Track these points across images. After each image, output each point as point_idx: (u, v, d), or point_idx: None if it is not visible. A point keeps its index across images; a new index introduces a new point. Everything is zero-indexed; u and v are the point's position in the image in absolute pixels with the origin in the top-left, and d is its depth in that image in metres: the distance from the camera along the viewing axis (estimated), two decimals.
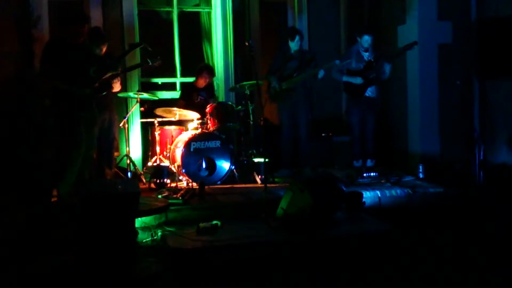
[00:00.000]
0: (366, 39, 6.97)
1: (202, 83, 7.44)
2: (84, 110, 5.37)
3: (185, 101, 7.38)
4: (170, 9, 8.30)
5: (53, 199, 5.67)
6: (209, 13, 8.50)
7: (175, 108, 6.89)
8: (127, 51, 5.65)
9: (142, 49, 6.80)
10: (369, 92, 7.04)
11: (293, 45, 7.09)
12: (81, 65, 5.39)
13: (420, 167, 6.91)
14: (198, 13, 8.62)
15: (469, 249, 4.90)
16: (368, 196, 5.93)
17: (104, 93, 5.67)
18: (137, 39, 7.85)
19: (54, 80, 5.28)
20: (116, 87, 6.33)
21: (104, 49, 6.37)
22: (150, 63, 6.23)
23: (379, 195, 6.02)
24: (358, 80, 6.98)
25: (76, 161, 5.39)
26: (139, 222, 5.03)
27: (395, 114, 7.97)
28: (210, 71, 7.54)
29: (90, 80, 5.41)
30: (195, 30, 8.61)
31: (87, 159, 5.64)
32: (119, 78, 6.24)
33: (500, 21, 6.39)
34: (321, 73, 6.89)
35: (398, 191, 6.14)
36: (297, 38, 7.04)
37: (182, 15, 8.37)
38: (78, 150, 5.39)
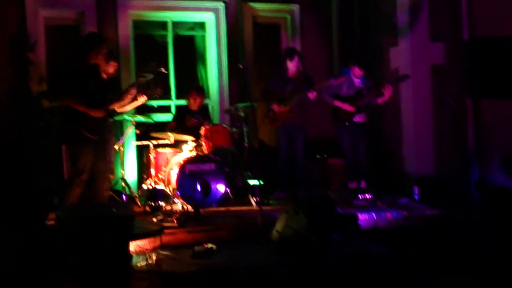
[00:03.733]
0: (356, 70, 7.00)
1: (193, 104, 7.44)
2: (96, 133, 5.35)
3: (176, 123, 7.39)
4: (165, 33, 8.37)
5: (50, 222, 5.62)
6: (203, 37, 8.58)
7: (169, 133, 6.90)
8: (142, 76, 5.61)
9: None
10: (358, 117, 7.05)
11: (292, 66, 7.09)
12: (99, 89, 5.39)
13: (416, 189, 6.91)
14: (192, 36, 8.68)
15: (466, 270, 4.88)
16: (364, 218, 5.90)
17: (118, 116, 5.64)
18: (133, 63, 7.90)
19: (71, 101, 5.26)
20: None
21: (115, 68, 6.40)
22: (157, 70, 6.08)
23: (375, 217, 6.00)
24: (350, 108, 6.98)
25: (76, 185, 5.34)
26: (133, 245, 5.00)
27: (389, 135, 8.00)
28: (199, 91, 7.53)
29: (105, 103, 5.40)
30: (190, 53, 8.67)
31: (103, 181, 5.59)
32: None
33: (492, 40, 6.44)
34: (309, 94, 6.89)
35: (394, 213, 6.13)
36: (296, 58, 7.07)
37: (177, 38, 8.43)
38: (79, 176, 5.34)
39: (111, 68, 6.22)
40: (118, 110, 5.61)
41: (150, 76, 5.72)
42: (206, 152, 6.77)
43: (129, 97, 5.61)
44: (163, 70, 5.96)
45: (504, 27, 6.81)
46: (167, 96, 8.26)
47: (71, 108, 5.30)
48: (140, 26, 8.31)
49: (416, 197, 6.87)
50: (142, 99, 5.77)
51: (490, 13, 7.15)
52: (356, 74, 7.05)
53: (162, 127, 7.59)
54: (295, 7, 8.61)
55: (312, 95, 6.84)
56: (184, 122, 7.38)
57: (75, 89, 5.28)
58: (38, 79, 7.14)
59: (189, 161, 6.49)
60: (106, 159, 5.72)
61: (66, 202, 5.34)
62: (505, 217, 5.90)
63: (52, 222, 5.57)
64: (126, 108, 5.94)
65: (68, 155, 5.47)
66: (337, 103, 7.08)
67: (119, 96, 5.54)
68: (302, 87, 6.97)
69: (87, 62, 5.43)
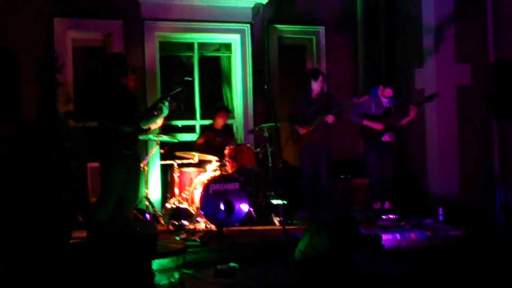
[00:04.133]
0: (388, 91, 7.00)
1: (219, 123, 7.53)
2: (129, 149, 5.42)
3: (202, 141, 7.46)
4: (191, 54, 8.48)
5: (74, 241, 5.70)
6: (229, 57, 8.67)
7: (193, 152, 6.98)
8: (169, 92, 5.67)
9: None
10: (386, 136, 7.03)
11: (316, 86, 7.12)
12: (129, 105, 5.49)
13: (440, 209, 6.85)
14: (218, 57, 8.79)
15: None
16: (388, 238, 5.86)
17: (144, 133, 5.69)
18: (159, 84, 8.01)
19: (103, 118, 5.37)
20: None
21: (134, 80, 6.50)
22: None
23: (399, 237, 5.96)
24: (379, 126, 6.97)
25: (108, 202, 5.37)
26: (156, 264, 5.03)
27: (414, 155, 7.95)
28: (226, 110, 7.64)
29: (135, 120, 5.48)
30: (215, 74, 8.76)
31: (130, 200, 5.63)
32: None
33: None
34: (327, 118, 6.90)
35: (418, 234, 6.08)
36: (320, 78, 7.10)
37: (202, 59, 8.54)
38: (110, 193, 5.36)
39: (131, 81, 6.31)
40: (145, 127, 5.67)
41: (178, 89, 5.75)
42: (230, 171, 6.81)
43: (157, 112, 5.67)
44: (186, 79, 6.04)
45: None
46: (192, 116, 8.35)
47: (103, 125, 5.39)
48: (167, 47, 8.45)
49: (441, 217, 6.81)
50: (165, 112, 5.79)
51: None
52: (387, 95, 7.04)
53: (187, 146, 7.67)
54: (321, 29, 8.65)
55: (330, 118, 6.86)
56: (211, 141, 7.46)
57: (107, 107, 5.37)
58: (65, 100, 7.30)
59: (213, 180, 6.54)
60: (139, 175, 5.77)
61: (97, 220, 5.36)
62: None
63: (76, 241, 5.65)
64: (156, 123, 5.97)
65: (100, 172, 5.49)
66: (366, 122, 7.07)
67: (148, 111, 5.60)
68: (326, 107, 6.99)
69: (114, 80, 5.54)
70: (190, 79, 6.22)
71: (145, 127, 5.62)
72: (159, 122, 5.88)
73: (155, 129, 6.80)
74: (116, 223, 5.50)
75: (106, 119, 5.35)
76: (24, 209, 6.22)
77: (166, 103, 5.53)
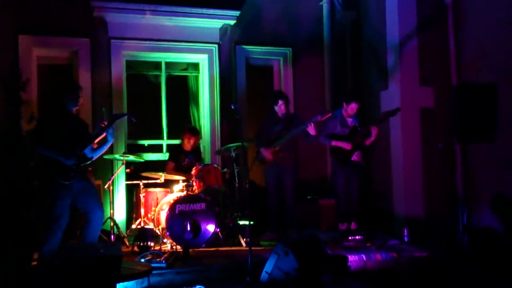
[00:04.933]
0: (353, 107, 7.06)
1: (187, 144, 7.49)
2: (68, 179, 5.33)
3: (174, 163, 7.42)
4: (158, 73, 8.45)
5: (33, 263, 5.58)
6: (196, 77, 8.67)
7: (160, 173, 6.93)
8: (112, 121, 5.65)
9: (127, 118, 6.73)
10: (354, 156, 7.08)
11: (277, 109, 7.18)
12: (71, 137, 5.41)
13: (405, 230, 6.91)
14: (186, 76, 8.79)
15: None
16: (354, 259, 5.89)
17: (89, 162, 5.62)
18: (125, 103, 7.96)
19: (43, 148, 5.27)
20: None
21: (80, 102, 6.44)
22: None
23: (365, 258, 5.98)
24: (348, 146, 7.01)
25: (56, 232, 5.27)
26: (120, 287, 4.95)
27: (379, 176, 8.05)
28: (193, 132, 7.59)
29: (75, 150, 5.39)
30: (183, 93, 8.76)
31: (91, 223, 5.50)
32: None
33: (479, 86, 6.56)
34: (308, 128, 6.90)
35: (384, 255, 6.10)
36: (279, 102, 7.15)
37: (170, 78, 8.52)
38: (57, 222, 5.27)
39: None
40: (93, 155, 5.58)
41: (123, 115, 6.09)
42: (196, 192, 6.77)
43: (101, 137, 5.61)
44: (132, 117, 6.08)
45: (489, 73, 6.97)
46: (159, 136, 8.30)
47: (44, 156, 5.30)
48: (133, 65, 8.40)
49: (406, 238, 6.87)
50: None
51: (477, 59, 7.32)
52: (350, 113, 7.09)
53: (153, 166, 7.61)
54: (288, 50, 8.76)
55: (310, 128, 6.85)
56: (179, 162, 7.42)
57: (48, 138, 5.30)
58: (29, 118, 7.13)
59: (179, 200, 6.48)
60: (94, 191, 5.68)
61: (48, 247, 5.25)
62: (492, 260, 5.91)
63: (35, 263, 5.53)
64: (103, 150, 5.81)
65: (45, 201, 5.42)
66: (334, 143, 7.10)
67: (92, 139, 5.53)
68: (290, 127, 7.03)
69: (65, 109, 5.47)
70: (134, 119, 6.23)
71: (94, 156, 5.54)
72: (106, 150, 5.82)
73: (120, 149, 6.74)
74: (80, 245, 5.42)
75: (45, 149, 5.28)
76: None
77: (111, 131, 5.48)
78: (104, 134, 5.47)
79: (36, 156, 5.31)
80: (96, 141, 5.51)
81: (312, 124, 6.81)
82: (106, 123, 5.47)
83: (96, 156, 5.56)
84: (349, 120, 7.14)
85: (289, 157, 7.14)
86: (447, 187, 7.42)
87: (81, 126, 5.64)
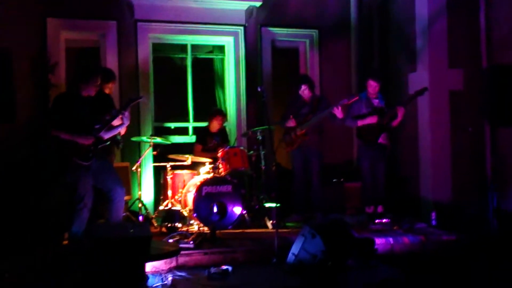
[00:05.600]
0: (371, 84, 7.00)
1: (215, 126, 7.52)
2: (87, 160, 5.39)
3: (202, 145, 7.45)
4: (184, 56, 8.46)
5: (64, 242, 5.68)
6: (222, 60, 8.66)
7: (186, 155, 6.97)
8: (127, 104, 5.71)
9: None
10: (381, 138, 7.02)
11: (301, 93, 7.15)
12: (87, 118, 5.45)
13: (433, 214, 6.84)
14: (211, 59, 8.78)
15: None
16: (380, 243, 5.86)
17: (108, 142, 5.67)
18: (152, 85, 7.99)
19: (59, 130, 5.33)
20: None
21: (112, 87, 6.56)
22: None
23: (392, 242, 5.96)
24: (373, 119, 6.95)
25: (81, 211, 5.37)
26: (149, 266, 5.01)
27: (406, 160, 7.97)
28: (223, 114, 7.64)
29: (92, 132, 5.44)
30: (208, 76, 8.76)
31: (113, 201, 5.58)
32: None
33: (510, 68, 6.43)
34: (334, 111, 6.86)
35: (411, 238, 6.07)
36: (302, 87, 7.11)
37: (196, 61, 8.53)
38: (82, 202, 5.36)
39: (107, 90, 6.39)
40: (107, 136, 5.62)
41: (138, 99, 6.04)
42: (223, 174, 6.79)
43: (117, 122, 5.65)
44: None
45: None
46: (185, 118, 8.33)
47: (60, 138, 5.34)
48: (160, 48, 8.43)
49: (433, 222, 6.80)
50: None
51: (508, 40, 7.17)
52: (370, 91, 7.03)
53: (180, 148, 7.66)
54: (314, 32, 8.68)
55: (337, 111, 6.82)
56: (206, 144, 7.46)
57: (62, 120, 5.34)
58: None
59: (206, 182, 6.52)
60: (112, 171, 5.75)
61: (76, 227, 5.36)
62: None
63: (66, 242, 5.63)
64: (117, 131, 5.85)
65: (67, 183, 5.49)
66: (360, 122, 7.05)
67: (107, 121, 5.57)
68: (317, 110, 7.00)
69: (78, 92, 5.50)
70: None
71: (107, 137, 5.58)
72: (122, 131, 5.93)
73: (148, 131, 6.76)
74: (110, 224, 5.49)
75: (60, 133, 5.32)
76: (17, 211, 6.17)
77: (126, 113, 5.55)
78: (120, 117, 5.53)
79: (54, 139, 5.33)
80: (113, 123, 5.57)
81: (339, 107, 6.77)
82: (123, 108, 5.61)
83: (108, 136, 5.59)
84: (375, 101, 7.08)
85: (315, 140, 7.13)
86: (476, 170, 7.31)
87: (98, 108, 5.67)
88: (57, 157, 5.41)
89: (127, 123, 5.66)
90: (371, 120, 6.95)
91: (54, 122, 5.36)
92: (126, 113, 5.56)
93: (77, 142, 5.32)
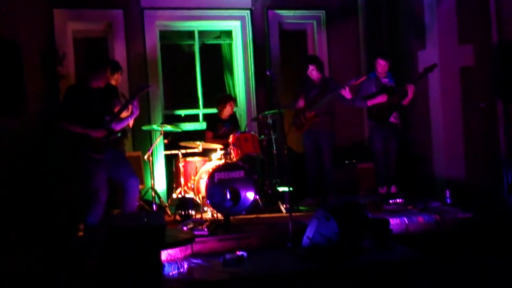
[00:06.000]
0: (380, 63, 6.96)
1: (228, 111, 7.50)
2: (100, 152, 5.39)
3: (213, 132, 7.45)
4: (192, 42, 8.44)
5: (80, 234, 5.71)
6: (230, 45, 8.63)
7: (198, 142, 6.96)
8: (135, 94, 5.69)
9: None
10: (392, 117, 6.98)
11: (309, 74, 7.10)
12: (97, 110, 5.45)
13: (447, 192, 6.79)
14: (219, 45, 8.74)
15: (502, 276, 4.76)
16: (395, 223, 5.84)
17: (119, 134, 5.67)
18: (160, 73, 7.98)
19: (71, 124, 5.33)
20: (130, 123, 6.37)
21: (119, 79, 6.56)
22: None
23: (407, 221, 5.92)
24: (383, 98, 6.91)
25: (96, 205, 5.36)
26: (165, 254, 5.04)
27: (418, 138, 7.91)
28: (233, 100, 7.62)
29: (102, 123, 5.44)
30: (217, 62, 8.73)
31: (127, 191, 5.57)
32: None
33: None
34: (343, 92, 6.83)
35: (426, 217, 6.03)
36: (310, 67, 7.06)
37: (203, 47, 8.50)
38: (96, 196, 5.35)
39: (113, 81, 6.38)
40: (118, 128, 5.62)
41: (146, 88, 5.99)
42: (235, 160, 6.78)
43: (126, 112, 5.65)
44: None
45: None
46: (195, 105, 8.32)
47: (72, 131, 5.34)
48: (167, 36, 8.40)
49: (448, 200, 6.75)
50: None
51: None
52: (380, 70, 6.99)
53: (190, 136, 7.66)
54: (321, 13, 8.60)
55: (345, 92, 6.78)
56: (217, 130, 7.45)
57: (73, 113, 5.33)
58: None
59: (218, 169, 6.52)
60: (126, 162, 5.73)
61: (91, 218, 5.37)
62: None
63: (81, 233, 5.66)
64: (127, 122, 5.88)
65: (81, 176, 5.51)
66: (370, 102, 7.02)
67: (117, 113, 5.56)
68: (326, 91, 6.95)
69: (87, 84, 5.48)
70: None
71: (118, 128, 5.58)
72: (131, 122, 5.96)
73: (158, 119, 6.73)
74: (124, 214, 5.51)
75: (74, 124, 5.31)
76: (31, 202, 6.20)
77: (135, 103, 5.55)
78: (129, 107, 5.53)
79: (65, 133, 5.33)
80: (122, 115, 5.57)
81: (347, 87, 6.73)
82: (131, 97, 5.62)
83: (119, 127, 5.60)
84: (385, 80, 7.04)
85: (326, 122, 7.09)
86: (489, 147, 7.23)
87: (108, 99, 5.66)
88: (69, 150, 5.42)
89: (136, 112, 5.64)
90: (381, 99, 6.92)
91: (66, 115, 5.36)
92: (135, 103, 5.56)
93: (89, 135, 5.32)
